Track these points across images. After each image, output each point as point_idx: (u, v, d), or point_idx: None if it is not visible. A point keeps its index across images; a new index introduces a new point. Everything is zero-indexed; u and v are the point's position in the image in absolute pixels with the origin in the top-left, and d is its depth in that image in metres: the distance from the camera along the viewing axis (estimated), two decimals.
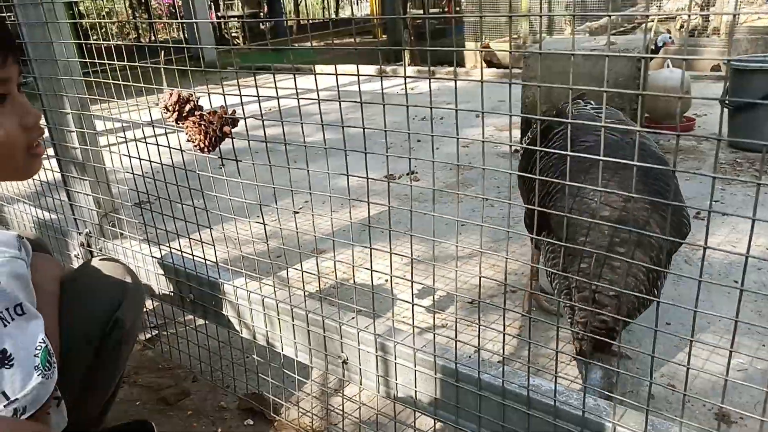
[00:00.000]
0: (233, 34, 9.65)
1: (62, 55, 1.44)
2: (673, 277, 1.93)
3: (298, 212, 2.37)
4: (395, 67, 7.65)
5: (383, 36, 10.50)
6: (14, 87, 0.90)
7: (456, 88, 0.79)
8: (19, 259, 0.88)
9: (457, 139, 0.80)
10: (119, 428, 1.27)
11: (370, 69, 6.70)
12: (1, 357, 0.81)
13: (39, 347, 0.85)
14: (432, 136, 0.85)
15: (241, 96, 1.05)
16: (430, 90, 0.84)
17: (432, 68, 6.92)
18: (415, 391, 1.05)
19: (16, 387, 0.81)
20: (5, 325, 0.81)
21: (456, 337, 0.97)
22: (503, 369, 0.93)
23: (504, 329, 0.93)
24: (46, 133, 1.56)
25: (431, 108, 0.84)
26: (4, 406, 0.80)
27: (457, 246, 0.90)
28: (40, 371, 0.83)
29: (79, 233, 1.68)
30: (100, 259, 1.19)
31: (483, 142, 0.80)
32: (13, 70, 0.89)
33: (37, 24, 1.43)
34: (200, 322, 1.48)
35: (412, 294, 1.03)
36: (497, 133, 4.00)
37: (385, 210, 0.97)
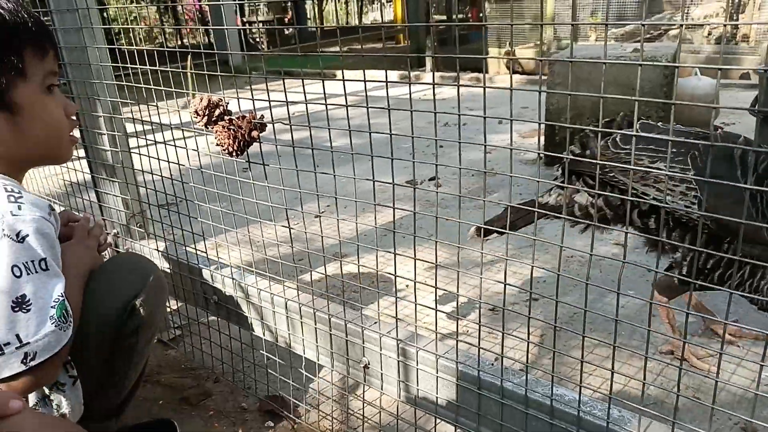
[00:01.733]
0: (258, 39, 9.76)
1: (96, 59, 1.48)
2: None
3: (320, 216, 2.39)
4: (418, 73, 7.66)
5: (407, 41, 10.53)
6: (56, 81, 1.04)
7: (485, 95, 0.79)
8: (48, 221, 0.95)
9: (485, 146, 0.81)
10: (142, 426, 1.30)
11: (392, 74, 6.72)
12: (20, 301, 0.87)
13: (56, 300, 0.91)
14: (459, 143, 0.85)
15: (270, 101, 1.07)
16: (459, 97, 0.84)
17: (455, 74, 6.90)
18: (437, 398, 1.05)
19: (30, 331, 0.87)
20: (28, 274, 0.89)
21: (479, 344, 0.97)
22: (526, 377, 0.92)
23: (528, 337, 0.92)
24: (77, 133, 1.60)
25: (459, 115, 0.85)
26: (17, 348, 0.87)
27: (482, 253, 0.90)
28: (54, 321, 0.90)
29: (108, 233, 1.71)
30: (127, 254, 1.24)
31: (510, 149, 0.80)
32: (56, 65, 1.03)
33: (72, 29, 1.47)
34: (223, 323, 1.50)
35: (436, 300, 1.04)
36: (520, 140, 3.98)
37: (406, 215, 0.97)
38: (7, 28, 0.95)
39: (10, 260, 0.88)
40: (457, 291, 0.96)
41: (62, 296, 0.92)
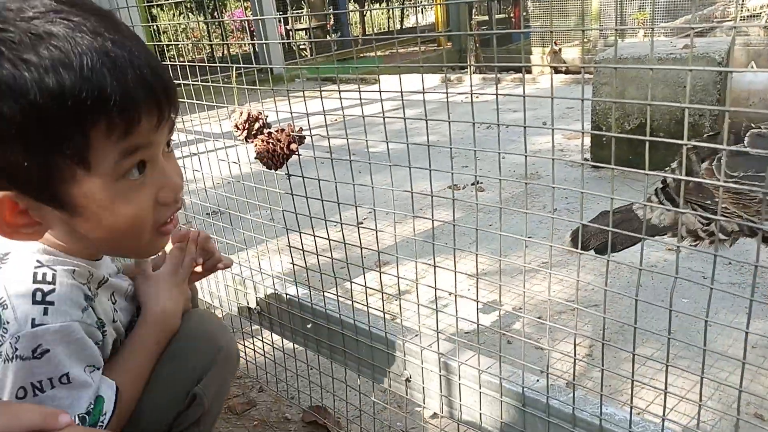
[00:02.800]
0: (301, 48, 9.90)
1: None
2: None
3: (359, 225, 2.39)
4: (459, 75, 7.61)
5: (448, 44, 10.47)
6: (159, 152, 0.73)
7: (525, 104, 0.77)
8: (80, 322, 0.75)
9: (526, 156, 0.78)
10: None
11: (433, 78, 6.69)
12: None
13: (81, 414, 0.75)
14: (499, 153, 0.82)
15: (308, 114, 1.06)
16: (497, 100, 0.82)
17: (498, 76, 6.82)
18: (480, 414, 1.02)
19: None
20: (36, 395, 0.71)
21: (523, 358, 0.94)
22: (573, 395, 0.89)
23: (575, 354, 0.89)
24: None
25: (498, 125, 0.82)
26: None
27: (524, 266, 0.87)
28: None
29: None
30: (192, 318, 1.03)
31: (552, 160, 0.77)
32: (163, 134, 0.73)
33: None
34: (266, 332, 1.51)
35: (477, 314, 1.01)
36: (565, 142, 3.89)
37: (447, 222, 0.95)
38: (68, 100, 0.61)
39: (17, 382, 0.70)
40: (500, 303, 0.94)
41: (91, 406, 0.75)
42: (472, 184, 3.13)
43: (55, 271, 0.74)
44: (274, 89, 1.08)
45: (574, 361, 0.88)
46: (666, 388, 0.77)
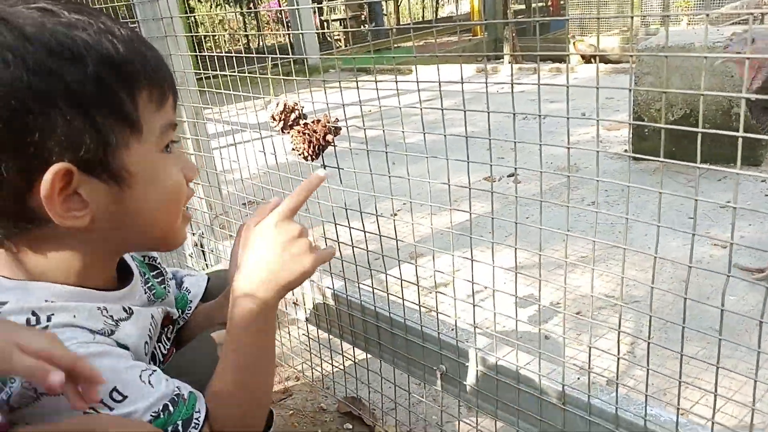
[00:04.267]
0: (336, 38, 9.90)
1: (180, 66, 1.53)
2: None
3: (394, 215, 2.37)
4: (495, 65, 7.49)
5: (483, 33, 10.33)
6: (175, 135, 0.79)
7: (568, 95, 0.74)
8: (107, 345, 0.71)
9: (568, 148, 0.75)
10: None
11: (469, 68, 6.60)
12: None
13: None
14: (540, 144, 0.80)
15: (343, 103, 1.05)
16: (539, 93, 0.79)
17: (534, 65, 6.70)
18: (518, 410, 1.00)
19: None
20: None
21: (563, 355, 0.91)
22: (617, 394, 0.86)
23: (618, 352, 0.86)
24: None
25: (539, 115, 0.80)
26: None
27: (566, 261, 0.84)
28: None
29: (193, 234, 1.77)
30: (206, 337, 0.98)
31: (597, 152, 0.74)
32: (174, 114, 0.79)
33: (157, 37, 1.52)
34: (302, 323, 1.52)
35: (516, 309, 0.99)
36: (605, 133, 3.79)
37: (483, 214, 0.94)
38: (119, 64, 0.66)
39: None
40: (538, 298, 0.91)
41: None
42: (509, 176, 3.09)
43: (49, 322, 0.68)
44: (310, 79, 1.08)
45: (618, 359, 0.85)
46: (716, 389, 0.74)
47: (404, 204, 2.52)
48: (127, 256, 0.87)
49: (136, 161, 0.70)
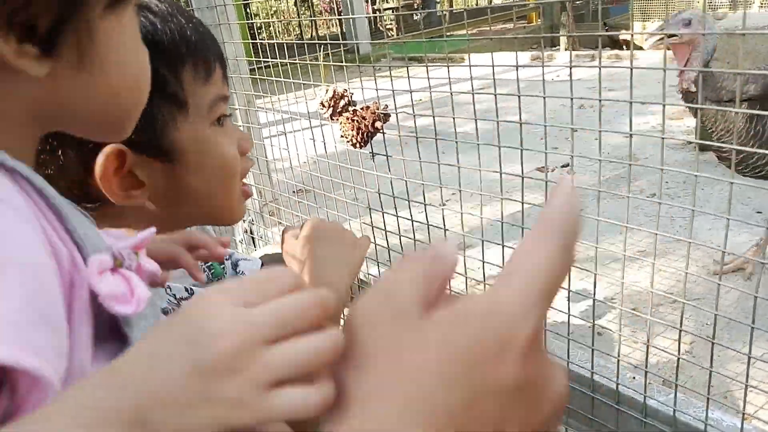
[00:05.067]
0: (387, 26, 9.86)
1: (233, 54, 1.54)
2: None
3: (444, 205, 2.33)
4: (551, 52, 7.29)
5: (539, 20, 10.06)
6: (227, 109, 0.79)
7: (631, 78, 0.70)
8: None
9: (630, 135, 0.71)
10: None
11: (524, 56, 6.44)
12: None
13: None
14: (600, 131, 0.76)
15: (393, 90, 1.04)
16: (600, 80, 0.75)
17: (593, 52, 6.47)
18: (568, 409, 0.97)
19: None
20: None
21: (618, 353, 0.87)
22: (675, 395, 0.82)
23: (678, 351, 0.82)
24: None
25: (600, 100, 0.76)
26: None
27: (624, 254, 0.80)
28: None
29: (243, 221, 1.80)
30: None
31: (663, 138, 0.70)
32: (226, 87, 0.78)
33: (211, 25, 1.54)
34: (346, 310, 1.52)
35: (569, 302, 0.95)
36: (667, 122, 3.63)
37: (533, 206, 0.90)
38: (158, 42, 0.66)
39: None
40: (594, 295, 0.88)
41: None
42: (563, 166, 3.00)
43: None
44: (360, 65, 1.06)
45: (678, 359, 0.80)
46: None
47: (453, 194, 2.47)
48: None
49: (186, 137, 0.70)
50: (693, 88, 1.63)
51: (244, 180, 0.81)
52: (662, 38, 1.70)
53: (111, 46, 0.43)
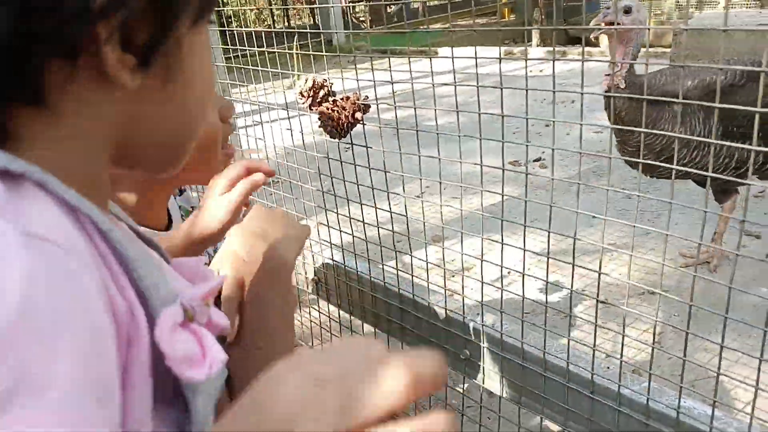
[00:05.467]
0: (361, 18, 9.82)
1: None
2: None
3: (420, 197, 2.35)
4: (524, 48, 7.35)
5: (511, 16, 10.14)
6: None
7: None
8: None
9: (610, 128, 0.72)
10: None
11: (495, 51, 6.47)
12: None
13: None
14: (581, 124, 0.77)
15: (374, 81, 1.03)
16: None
17: (564, 49, 6.56)
18: (543, 398, 0.98)
19: None
20: None
21: (594, 344, 0.89)
22: (649, 384, 0.83)
23: (654, 341, 0.83)
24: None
25: (582, 93, 0.77)
26: None
27: (602, 246, 0.82)
28: None
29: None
30: None
31: (642, 132, 0.71)
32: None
33: None
34: (322, 303, 1.51)
35: (546, 294, 0.97)
36: None
37: (508, 199, 0.91)
38: None
39: None
40: (572, 286, 0.89)
41: None
42: (535, 160, 3.04)
43: None
44: (340, 55, 1.06)
45: (653, 350, 0.82)
46: (758, 383, 0.71)
47: (427, 186, 2.49)
48: (171, 204, 0.94)
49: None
50: (623, 85, 1.56)
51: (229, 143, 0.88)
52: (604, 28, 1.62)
53: (193, 61, 0.42)
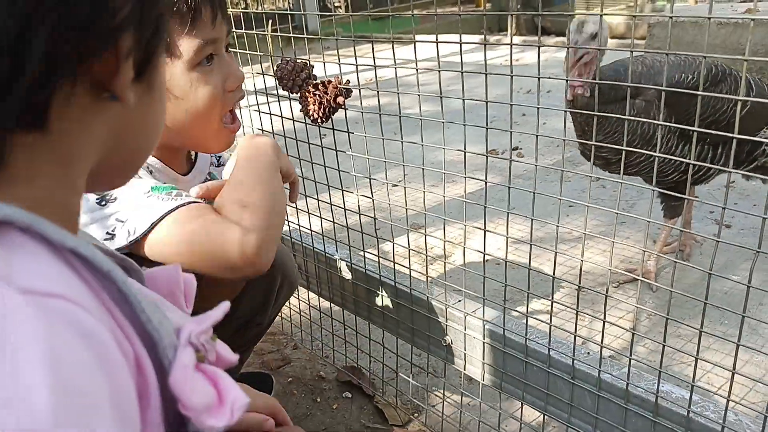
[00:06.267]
0: (336, 4, 9.70)
1: None
2: None
3: (396, 186, 2.34)
4: (499, 37, 7.36)
5: (487, 4, 10.13)
6: (222, 47, 0.86)
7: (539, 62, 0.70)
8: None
9: (595, 116, 0.72)
10: (243, 376, 1.32)
11: (473, 39, 6.48)
12: None
13: None
14: (565, 111, 0.77)
15: (357, 65, 1.02)
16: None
17: (523, 45, 6.58)
18: (524, 383, 0.99)
19: None
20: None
21: (575, 330, 0.90)
22: (629, 370, 0.85)
23: (634, 327, 0.84)
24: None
25: (566, 80, 0.77)
26: None
27: (585, 233, 0.82)
28: None
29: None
30: None
31: (626, 120, 0.71)
32: (222, 30, 0.85)
33: None
34: (302, 290, 1.50)
35: (529, 281, 0.97)
36: None
37: (481, 188, 0.91)
38: None
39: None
40: (554, 273, 0.89)
41: None
42: (514, 149, 3.05)
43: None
44: (321, 38, 1.03)
45: (633, 336, 0.83)
46: (734, 367, 0.72)
47: (406, 174, 2.47)
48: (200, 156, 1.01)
49: (168, 78, 0.76)
50: (588, 93, 1.47)
51: (233, 114, 0.90)
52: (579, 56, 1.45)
53: (161, 70, 0.41)
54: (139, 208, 0.79)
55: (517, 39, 6.78)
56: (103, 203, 0.80)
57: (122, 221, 0.79)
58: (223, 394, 0.36)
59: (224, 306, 0.41)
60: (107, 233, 0.79)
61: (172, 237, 0.76)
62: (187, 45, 0.79)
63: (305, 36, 1.10)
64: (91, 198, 0.79)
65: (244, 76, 0.90)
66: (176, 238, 0.76)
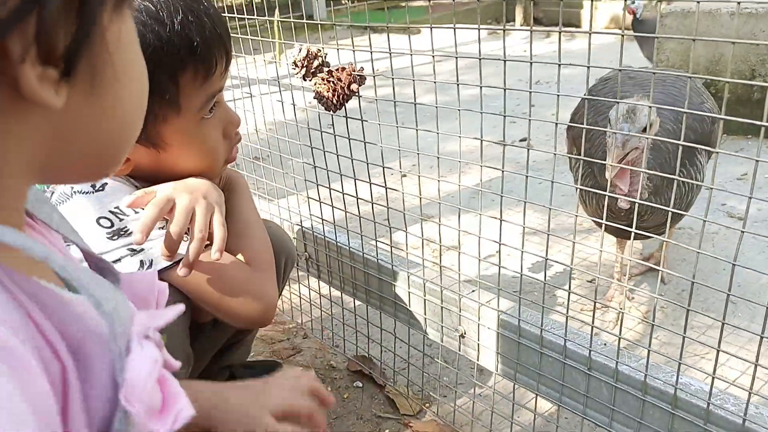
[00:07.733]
0: None
1: None
2: None
3: (405, 176, 2.33)
4: (508, 28, 7.28)
5: None
6: (222, 94, 0.87)
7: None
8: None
9: (617, 102, 0.71)
10: (252, 364, 1.32)
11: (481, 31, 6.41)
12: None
13: None
14: (586, 98, 0.75)
15: (371, 51, 1.00)
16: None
17: (548, 29, 6.52)
18: (539, 374, 0.98)
19: None
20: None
21: (593, 322, 0.89)
22: (647, 361, 0.84)
23: (653, 319, 0.83)
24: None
25: (588, 67, 0.75)
26: None
27: (604, 223, 0.81)
28: None
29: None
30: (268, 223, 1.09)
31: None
32: (226, 78, 0.85)
33: None
34: (312, 280, 1.49)
35: (545, 273, 0.96)
36: None
37: (494, 178, 0.90)
38: (160, 50, 0.72)
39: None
40: (571, 263, 0.88)
41: None
42: (521, 140, 3.03)
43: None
44: (335, 23, 1.02)
45: (652, 327, 0.82)
46: (757, 359, 0.71)
47: (413, 165, 2.46)
48: None
49: (173, 132, 0.79)
50: (629, 206, 1.21)
51: (233, 152, 0.92)
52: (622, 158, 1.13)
53: (121, 54, 0.35)
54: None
55: (522, 31, 6.71)
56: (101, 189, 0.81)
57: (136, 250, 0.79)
58: (168, 401, 0.34)
59: (178, 308, 0.39)
60: (109, 221, 0.79)
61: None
62: (197, 98, 0.79)
63: (316, 22, 1.09)
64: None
65: (240, 120, 0.92)
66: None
